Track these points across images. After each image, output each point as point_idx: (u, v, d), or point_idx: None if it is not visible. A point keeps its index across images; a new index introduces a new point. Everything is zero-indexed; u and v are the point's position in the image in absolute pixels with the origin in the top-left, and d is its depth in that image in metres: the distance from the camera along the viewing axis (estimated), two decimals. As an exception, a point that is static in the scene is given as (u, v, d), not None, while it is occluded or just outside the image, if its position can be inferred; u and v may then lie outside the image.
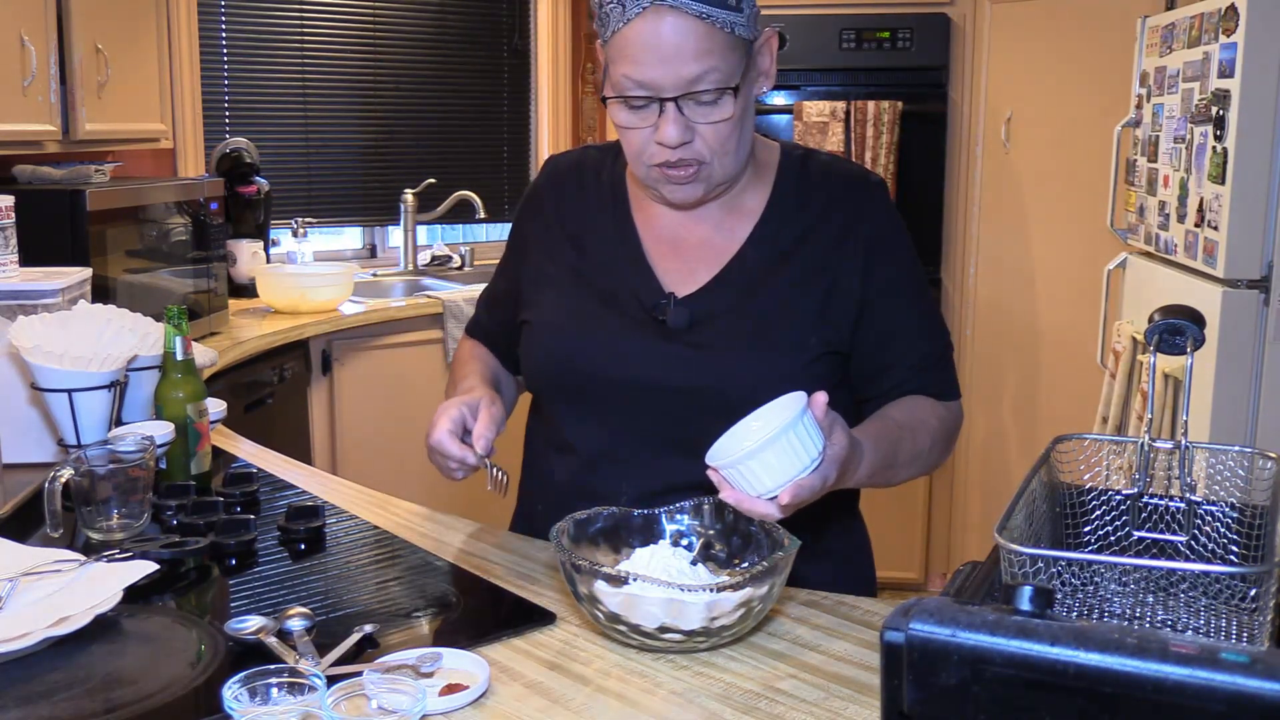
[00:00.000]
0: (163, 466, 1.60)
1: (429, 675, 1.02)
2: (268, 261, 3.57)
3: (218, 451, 1.78)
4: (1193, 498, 1.12)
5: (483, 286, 1.63)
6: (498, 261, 1.57)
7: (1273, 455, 1.12)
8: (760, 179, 1.39)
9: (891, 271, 1.36)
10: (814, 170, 1.40)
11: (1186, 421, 1.14)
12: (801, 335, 1.32)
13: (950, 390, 1.42)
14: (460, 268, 4.11)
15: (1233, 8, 2.33)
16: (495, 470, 1.31)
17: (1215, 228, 2.41)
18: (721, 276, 1.35)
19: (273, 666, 0.93)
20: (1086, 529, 1.16)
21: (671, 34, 1.19)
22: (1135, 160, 2.99)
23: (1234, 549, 1.10)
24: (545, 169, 1.50)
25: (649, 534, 1.23)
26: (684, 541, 1.23)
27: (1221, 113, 2.38)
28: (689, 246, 1.38)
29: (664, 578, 1.07)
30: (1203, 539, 1.12)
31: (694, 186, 1.30)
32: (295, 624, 1.11)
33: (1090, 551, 1.14)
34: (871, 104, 3.57)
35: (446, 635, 1.14)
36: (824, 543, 1.38)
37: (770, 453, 1.08)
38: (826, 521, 1.38)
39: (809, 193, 1.38)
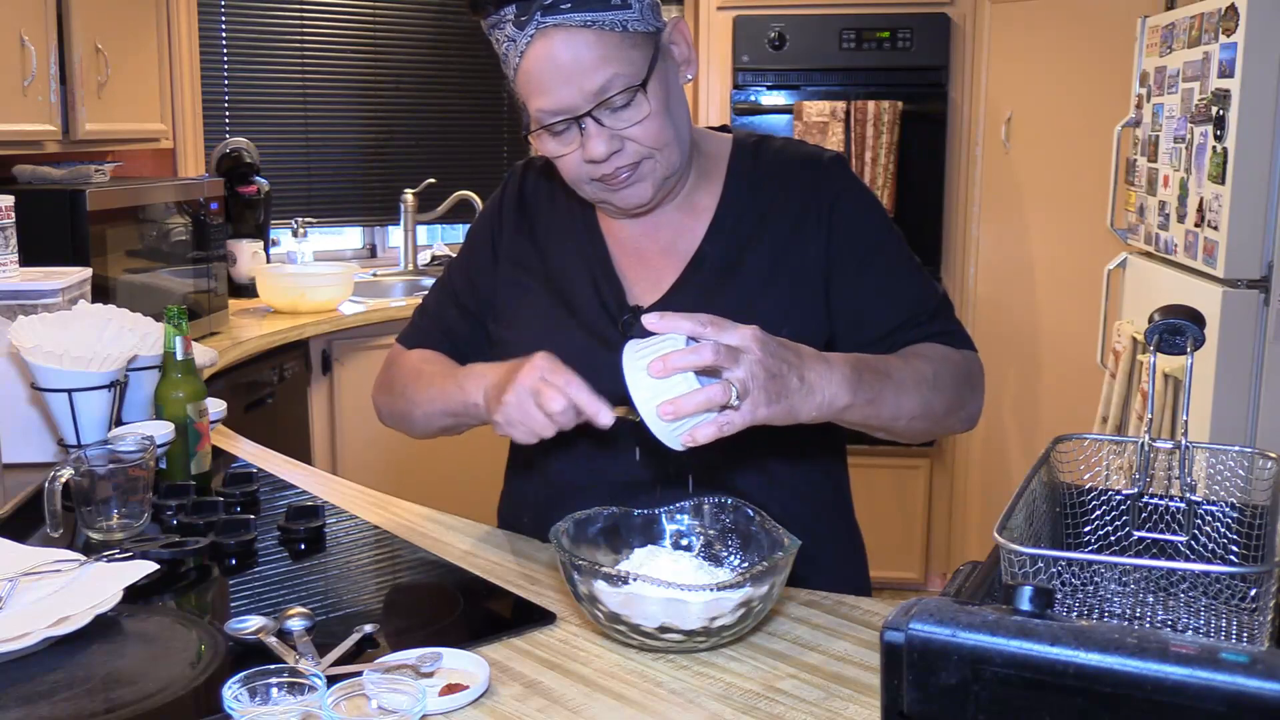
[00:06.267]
0: (163, 466, 1.60)
1: (429, 675, 1.02)
2: (268, 261, 3.58)
3: (218, 451, 1.78)
4: (1193, 498, 1.12)
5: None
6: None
7: (1273, 455, 1.12)
8: (712, 174, 1.37)
9: (856, 239, 1.33)
10: (766, 157, 1.38)
11: (1186, 421, 1.14)
12: (771, 329, 1.30)
13: (956, 340, 1.34)
14: (460, 268, 4.10)
15: (1233, 8, 2.33)
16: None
17: (1215, 228, 2.41)
18: (682, 280, 1.34)
19: (273, 666, 0.93)
20: (1086, 529, 1.16)
21: (565, 52, 1.18)
22: (1135, 160, 2.99)
23: (1234, 549, 1.10)
24: (515, 174, 1.48)
25: (649, 534, 1.23)
26: (684, 541, 1.23)
27: (1221, 113, 2.38)
28: (653, 254, 1.37)
29: (664, 578, 1.07)
30: (1203, 539, 1.12)
31: (640, 186, 1.28)
32: (295, 624, 1.11)
33: (1090, 551, 1.14)
34: (871, 104, 3.57)
35: (446, 635, 1.14)
36: (818, 549, 1.33)
37: (639, 373, 1.07)
38: (821, 527, 1.37)
39: (763, 180, 1.36)
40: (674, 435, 1.09)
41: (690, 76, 1.31)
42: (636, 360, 1.09)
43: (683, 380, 1.07)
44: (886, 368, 1.24)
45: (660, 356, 1.06)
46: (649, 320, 1.09)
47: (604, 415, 1.15)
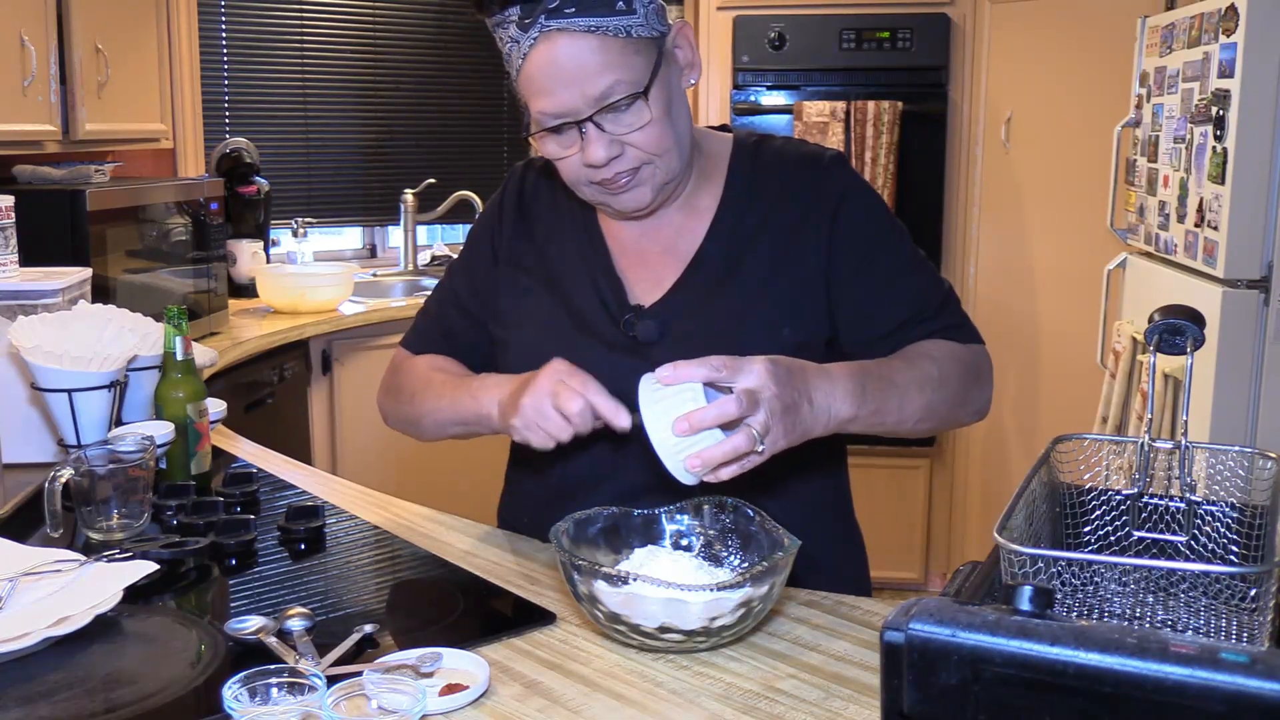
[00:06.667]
0: (163, 466, 1.60)
1: (429, 675, 1.02)
2: (268, 261, 3.58)
3: (218, 451, 1.78)
4: (1193, 498, 1.12)
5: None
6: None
7: (1273, 455, 1.12)
8: (713, 175, 1.37)
9: (859, 238, 1.32)
10: (766, 157, 1.37)
11: (1186, 421, 1.14)
12: (771, 329, 1.30)
13: (962, 334, 1.35)
14: (460, 268, 4.10)
15: (1233, 8, 2.33)
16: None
17: (1215, 228, 2.41)
18: (683, 280, 1.34)
19: (273, 666, 0.93)
20: (1086, 529, 1.16)
21: (568, 56, 1.18)
22: (1135, 160, 2.99)
23: (1234, 549, 1.10)
24: (515, 175, 1.47)
25: (649, 534, 1.23)
26: (684, 541, 1.23)
27: (1221, 113, 2.38)
28: (654, 255, 1.37)
29: (664, 578, 1.07)
30: (1203, 539, 1.12)
31: (639, 190, 1.28)
32: (295, 624, 1.11)
33: (1090, 551, 1.14)
34: (871, 104, 3.57)
35: (446, 635, 1.14)
36: (818, 550, 1.32)
37: (655, 420, 1.08)
38: (821, 528, 1.37)
39: (763, 181, 1.36)
40: (698, 477, 1.11)
41: (694, 80, 1.30)
42: (658, 416, 1.09)
43: (707, 433, 1.08)
44: (890, 374, 1.24)
45: (684, 415, 1.07)
46: (663, 374, 1.09)
47: (622, 418, 1.16)
